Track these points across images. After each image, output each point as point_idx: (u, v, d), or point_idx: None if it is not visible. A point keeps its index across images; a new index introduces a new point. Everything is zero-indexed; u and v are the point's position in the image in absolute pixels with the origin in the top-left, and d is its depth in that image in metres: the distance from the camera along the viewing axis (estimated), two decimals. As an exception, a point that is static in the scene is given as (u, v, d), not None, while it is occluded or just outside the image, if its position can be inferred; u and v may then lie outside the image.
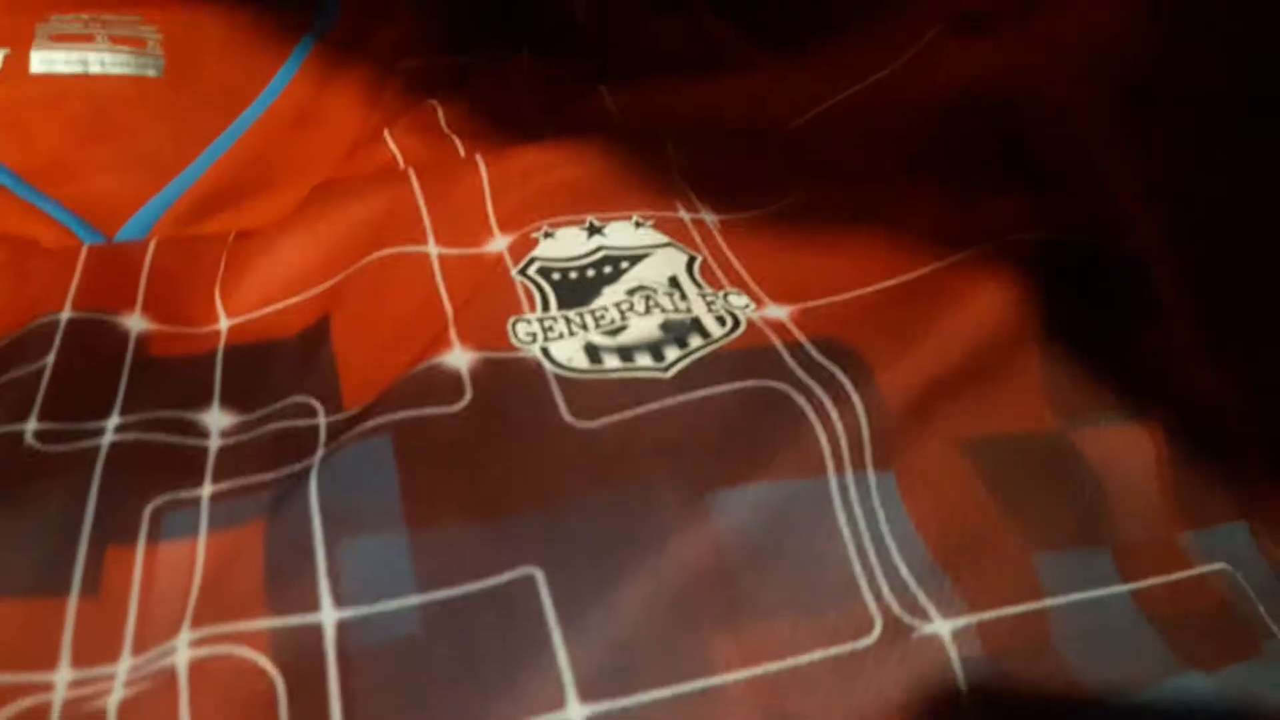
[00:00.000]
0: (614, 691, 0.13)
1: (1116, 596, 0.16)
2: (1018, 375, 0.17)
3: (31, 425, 0.16)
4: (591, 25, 0.28)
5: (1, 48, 0.23)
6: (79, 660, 0.13)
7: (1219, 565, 0.17)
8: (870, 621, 0.14)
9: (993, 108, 0.21)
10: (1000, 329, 0.17)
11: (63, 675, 0.13)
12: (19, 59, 0.24)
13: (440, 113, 0.25)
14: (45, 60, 0.24)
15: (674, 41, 0.27)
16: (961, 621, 0.14)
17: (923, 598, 0.14)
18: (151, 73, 0.25)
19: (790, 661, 0.13)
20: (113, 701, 0.13)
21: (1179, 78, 0.20)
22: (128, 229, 0.22)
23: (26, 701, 0.13)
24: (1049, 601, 0.15)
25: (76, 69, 0.24)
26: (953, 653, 0.14)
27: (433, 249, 0.20)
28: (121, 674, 0.13)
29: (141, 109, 0.24)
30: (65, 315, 0.19)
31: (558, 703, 0.13)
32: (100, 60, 0.24)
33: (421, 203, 0.20)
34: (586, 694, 0.13)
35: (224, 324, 0.20)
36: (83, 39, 0.24)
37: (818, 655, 0.14)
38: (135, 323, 0.19)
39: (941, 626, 0.14)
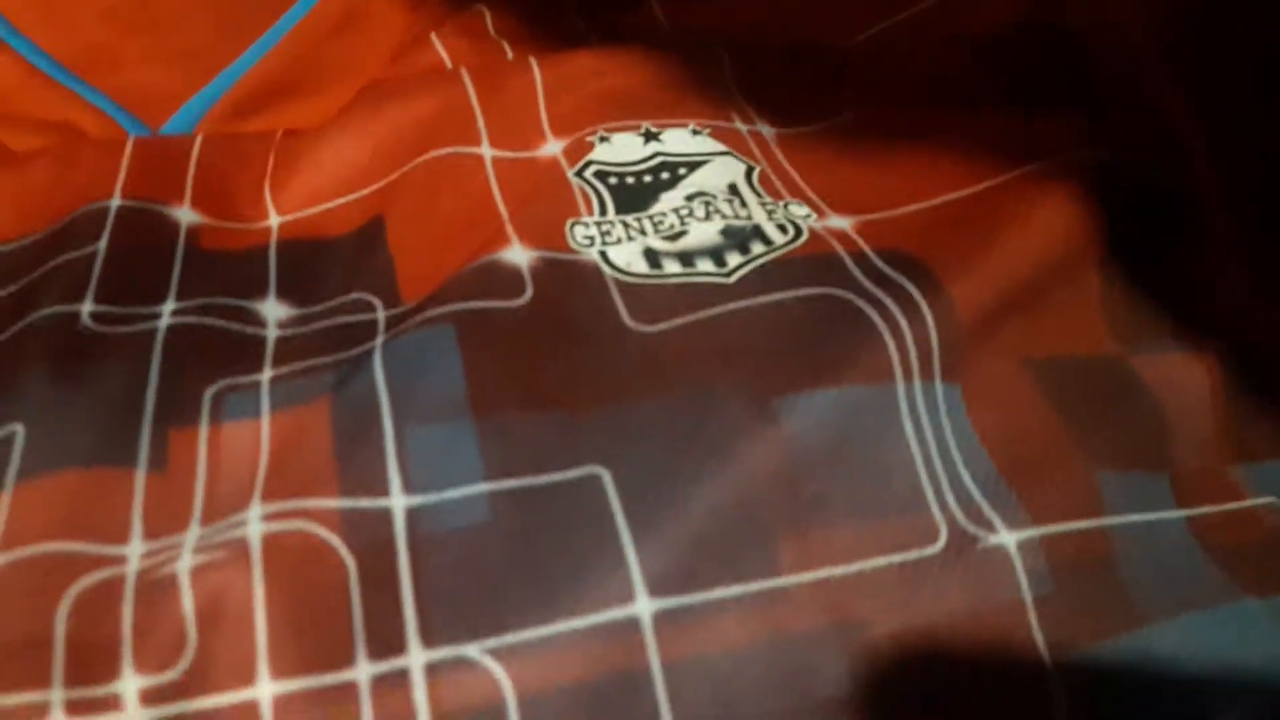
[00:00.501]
0: (681, 589, 0.13)
1: (1173, 522, 0.16)
2: (1080, 297, 0.17)
3: (87, 307, 0.16)
4: None
5: None
6: (150, 533, 0.13)
7: (1270, 499, 0.17)
8: (936, 530, 0.14)
9: (1049, 31, 0.21)
10: (1064, 249, 0.17)
11: (135, 548, 0.13)
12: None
13: (488, 17, 0.24)
14: None
15: None
16: (1026, 534, 0.14)
17: (988, 509, 0.14)
18: None
19: (855, 566, 0.13)
20: (183, 566, 0.13)
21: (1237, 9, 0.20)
22: (173, 123, 0.22)
23: (102, 574, 0.13)
24: (1110, 520, 0.15)
25: None
26: (1017, 564, 0.14)
27: (486, 150, 0.19)
28: (190, 542, 0.13)
29: (187, 10, 0.23)
30: (115, 203, 0.18)
31: (627, 597, 0.13)
32: None
33: (475, 103, 0.20)
34: (655, 589, 0.13)
35: (274, 220, 0.19)
36: None
37: (882, 562, 0.13)
38: (185, 215, 0.19)
39: (1007, 538, 0.14)
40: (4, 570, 0.13)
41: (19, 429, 0.14)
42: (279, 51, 0.23)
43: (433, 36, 0.23)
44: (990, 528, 0.14)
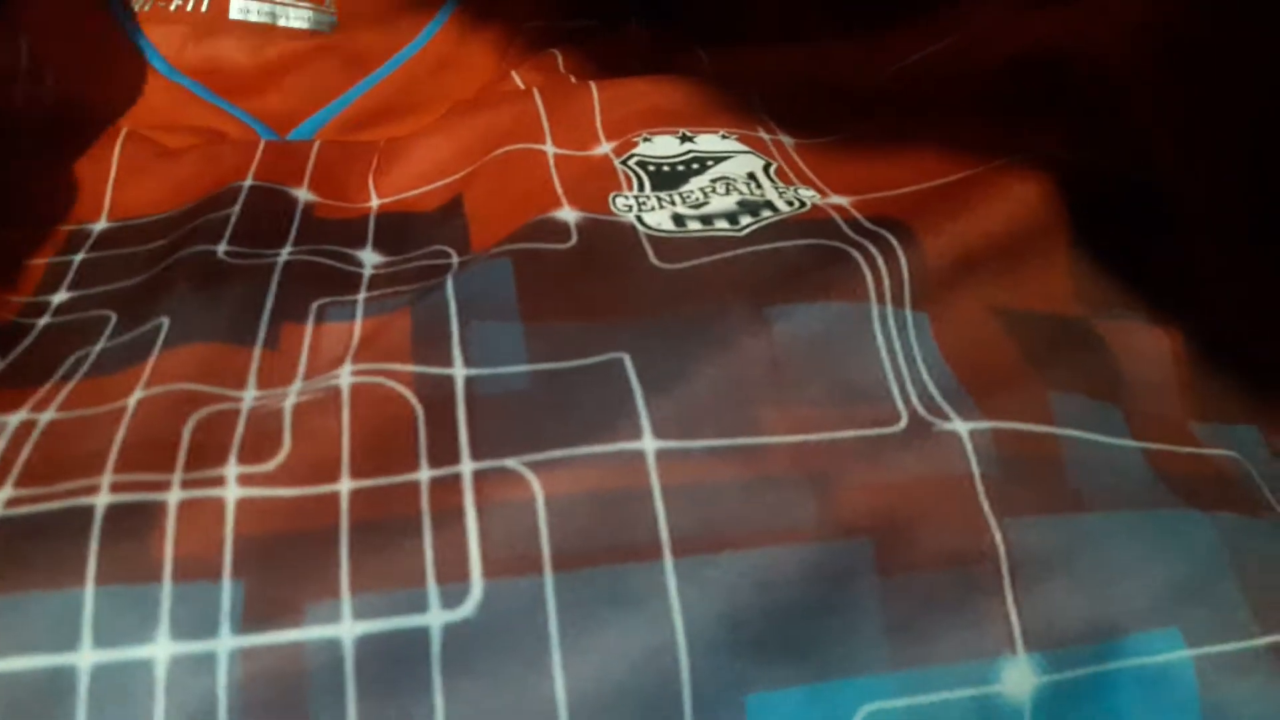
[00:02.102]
0: (679, 435, 0.16)
1: (1126, 448, 0.18)
2: (1049, 264, 0.20)
3: (222, 247, 0.20)
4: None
5: None
6: (262, 385, 0.17)
7: (1229, 453, 0.19)
8: (898, 416, 0.16)
9: (1043, 62, 0.24)
10: (1034, 220, 0.20)
11: (249, 393, 0.17)
12: (221, 2, 0.29)
13: (559, 59, 0.29)
14: (242, 9, 0.29)
15: (769, 16, 0.30)
16: (978, 424, 0.17)
17: (944, 404, 0.17)
18: (325, 29, 0.29)
19: (826, 435, 0.16)
20: (287, 404, 0.16)
21: (1214, 38, 0.23)
22: (297, 133, 0.27)
23: (222, 406, 0.16)
24: (1060, 430, 0.17)
25: (266, 19, 0.29)
26: (968, 446, 0.16)
27: (549, 147, 0.23)
28: (294, 390, 0.17)
29: (314, 52, 0.29)
30: (248, 183, 0.23)
31: (635, 435, 0.16)
32: (287, 14, 0.29)
33: (542, 113, 0.24)
34: (658, 433, 0.16)
35: (374, 202, 0.23)
36: None
37: (850, 434, 0.16)
38: (303, 194, 0.23)
39: (960, 426, 0.17)
40: (149, 398, 0.16)
41: (165, 320, 0.18)
42: (387, 83, 0.28)
43: (512, 73, 0.28)
44: (945, 418, 0.17)
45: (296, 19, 0.29)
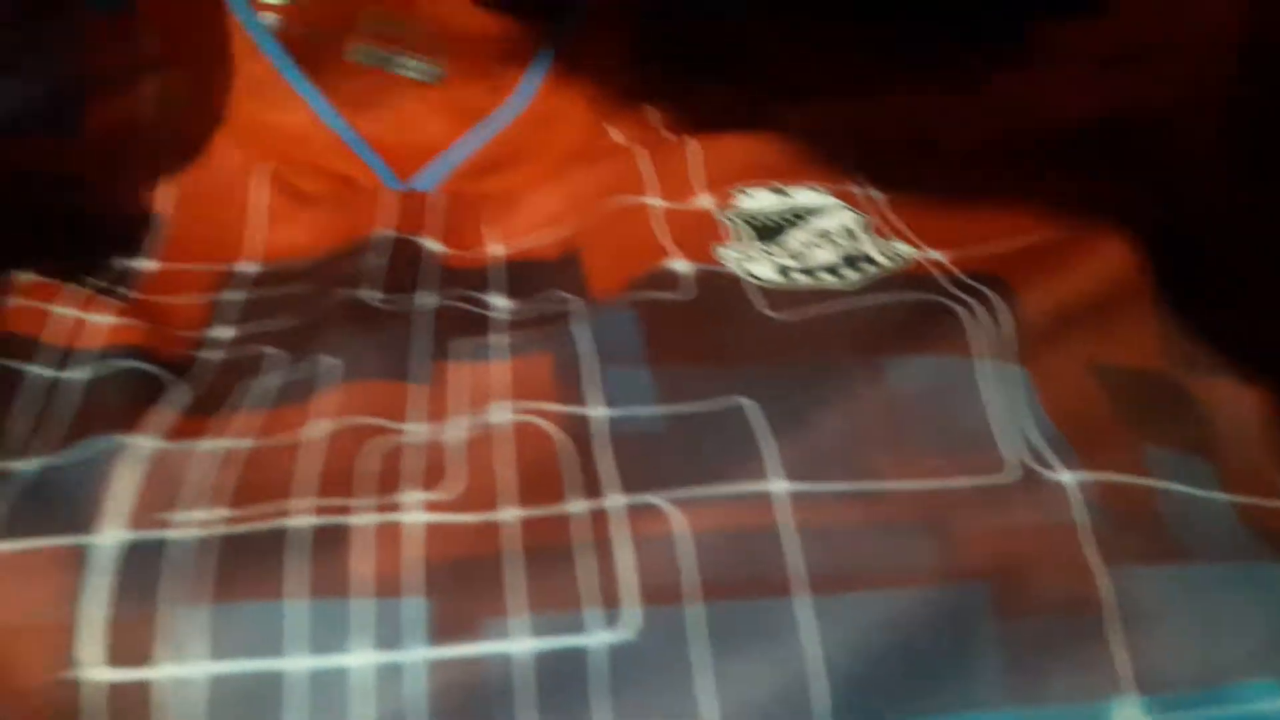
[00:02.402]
0: (807, 478, 0.17)
1: (1219, 502, 0.19)
2: (1138, 322, 0.21)
3: (377, 295, 0.23)
4: (774, 57, 0.33)
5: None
6: (427, 419, 0.19)
7: None
8: (1004, 465, 0.17)
9: (1115, 124, 0.25)
10: (1124, 278, 0.21)
11: (418, 426, 0.19)
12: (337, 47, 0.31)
13: (651, 113, 0.30)
14: (365, 54, 0.31)
15: (841, 71, 0.32)
16: (1081, 475, 0.17)
17: (1048, 455, 0.18)
18: (433, 81, 0.31)
19: (940, 483, 0.17)
20: (456, 439, 0.18)
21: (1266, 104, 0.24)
22: (415, 180, 0.30)
23: (396, 438, 0.18)
24: (1157, 482, 0.18)
25: (380, 65, 0.31)
26: (1073, 496, 0.17)
27: (652, 201, 0.25)
28: (455, 427, 0.18)
29: (427, 102, 0.31)
30: (388, 234, 0.25)
31: (764, 477, 0.17)
32: (404, 65, 0.31)
33: (644, 167, 0.26)
34: (787, 475, 0.17)
35: (495, 251, 0.25)
36: (395, 40, 0.31)
37: (964, 482, 0.17)
38: (433, 245, 0.25)
39: (1065, 477, 0.17)
40: (330, 430, 0.18)
41: (331, 359, 0.20)
42: (496, 138, 0.31)
43: (610, 128, 0.30)
44: (1051, 468, 0.17)
45: (409, 69, 0.31)
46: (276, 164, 0.28)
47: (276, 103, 0.30)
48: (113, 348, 0.22)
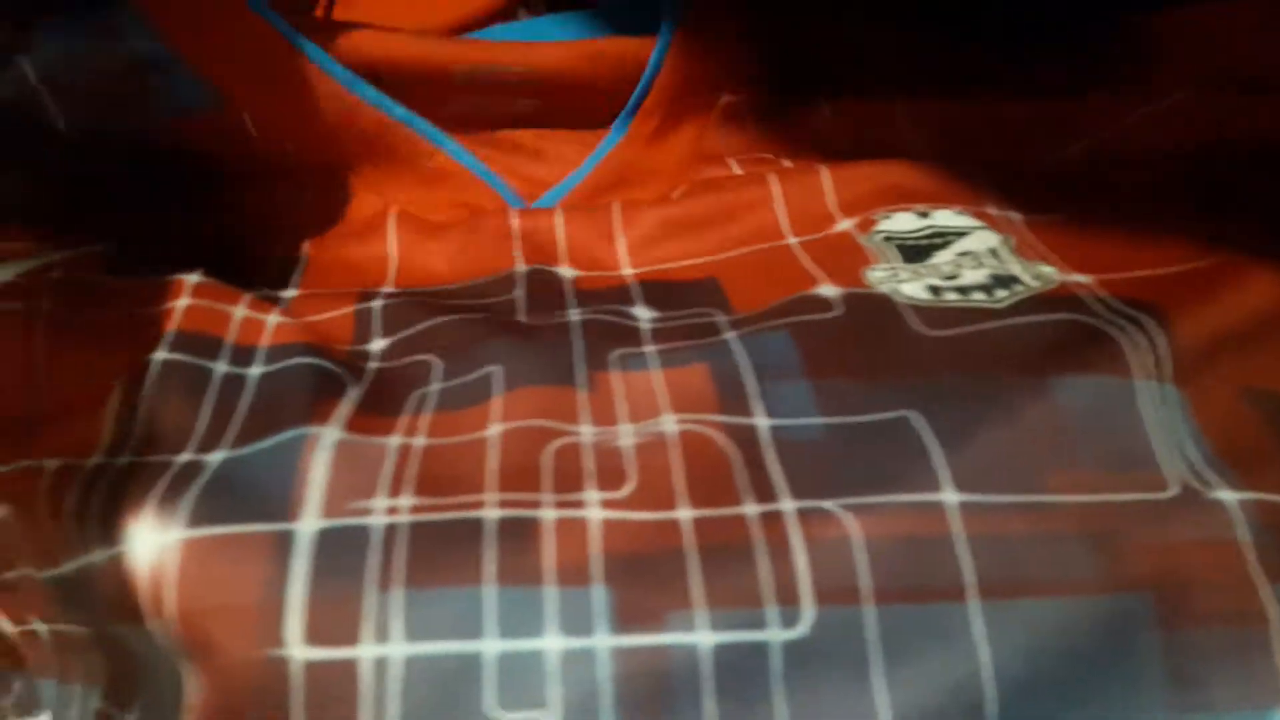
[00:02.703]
0: (977, 489, 0.18)
1: None
2: None
3: (522, 317, 0.24)
4: (878, 64, 0.34)
5: None
6: (594, 422, 0.20)
7: None
8: (1166, 483, 0.18)
9: (1241, 149, 0.25)
10: (1273, 307, 0.21)
11: (585, 429, 0.20)
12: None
13: (761, 135, 0.31)
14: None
15: (948, 77, 0.32)
16: (1242, 495, 0.18)
17: (1209, 475, 0.18)
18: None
19: (1104, 497, 0.18)
20: (624, 444, 0.19)
21: None
22: (541, 201, 0.31)
23: (568, 439, 0.19)
24: None
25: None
26: (1236, 515, 0.18)
27: (789, 236, 0.26)
28: (625, 433, 0.19)
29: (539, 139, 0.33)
30: (522, 268, 0.26)
31: (936, 487, 0.18)
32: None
33: (777, 197, 0.27)
34: (957, 486, 0.18)
35: (626, 270, 0.26)
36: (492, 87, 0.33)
37: (1127, 497, 0.18)
38: (566, 271, 0.26)
39: (1227, 495, 0.18)
40: (507, 430, 0.19)
41: (495, 368, 0.21)
42: (610, 156, 0.32)
43: (723, 153, 0.31)
44: (1210, 486, 0.18)
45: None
46: (408, 201, 0.30)
47: (399, 146, 0.31)
48: (290, 345, 0.23)
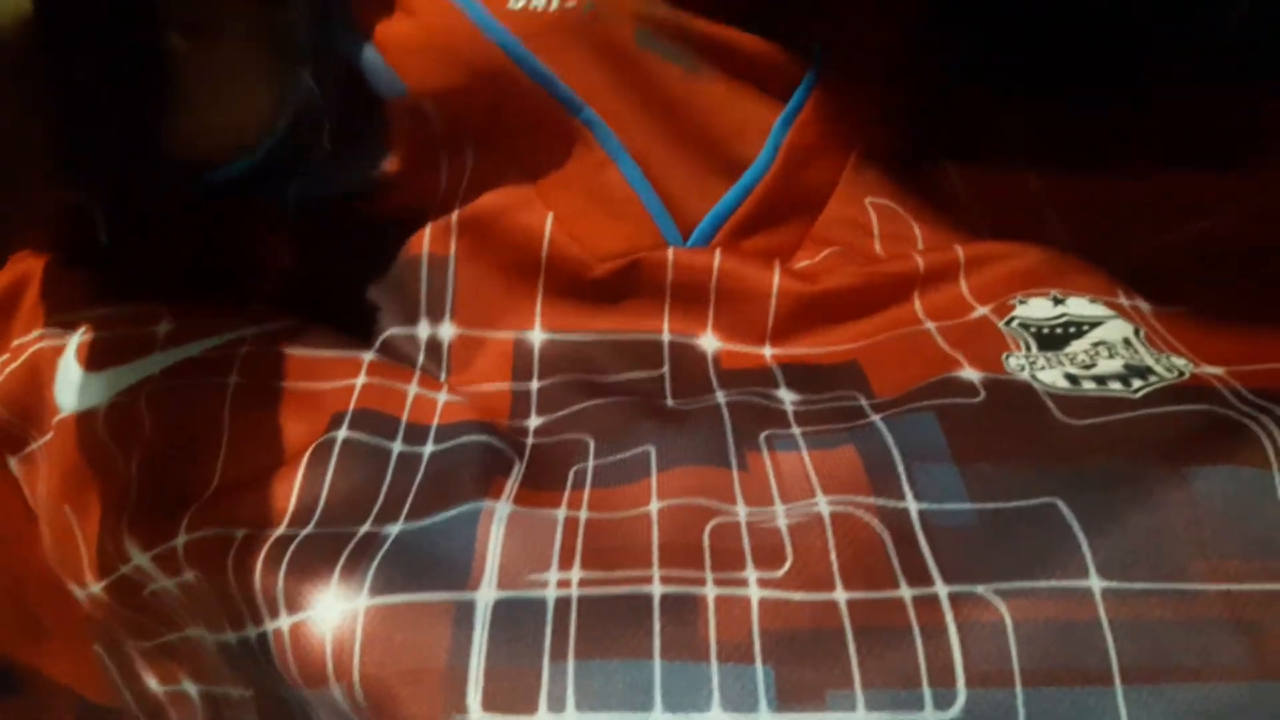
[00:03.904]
0: (1121, 576, 0.19)
1: None
2: None
3: (670, 401, 0.26)
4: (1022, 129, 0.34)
5: None
6: (748, 502, 0.22)
7: None
8: None
9: None
10: None
11: (741, 509, 0.21)
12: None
13: (891, 186, 0.32)
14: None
15: (1102, 142, 0.33)
16: None
17: None
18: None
19: (1251, 586, 0.19)
20: (781, 524, 0.21)
21: None
22: (694, 237, 0.31)
23: (725, 518, 0.21)
24: None
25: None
26: None
27: (926, 321, 0.27)
28: (779, 513, 0.21)
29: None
30: (665, 338, 0.28)
31: (1082, 574, 0.19)
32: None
33: (914, 279, 0.28)
34: (1103, 572, 0.19)
35: (767, 351, 0.28)
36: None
37: (1270, 586, 0.19)
38: (709, 342, 0.28)
39: None
40: (666, 508, 0.21)
41: (650, 447, 0.23)
42: (762, 186, 0.31)
43: (864, 201, 0.31)
44: None
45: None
46: (569, 217, 0.29)
47: (582, 157, 0.30)
48: (458, 424, 0.25)
